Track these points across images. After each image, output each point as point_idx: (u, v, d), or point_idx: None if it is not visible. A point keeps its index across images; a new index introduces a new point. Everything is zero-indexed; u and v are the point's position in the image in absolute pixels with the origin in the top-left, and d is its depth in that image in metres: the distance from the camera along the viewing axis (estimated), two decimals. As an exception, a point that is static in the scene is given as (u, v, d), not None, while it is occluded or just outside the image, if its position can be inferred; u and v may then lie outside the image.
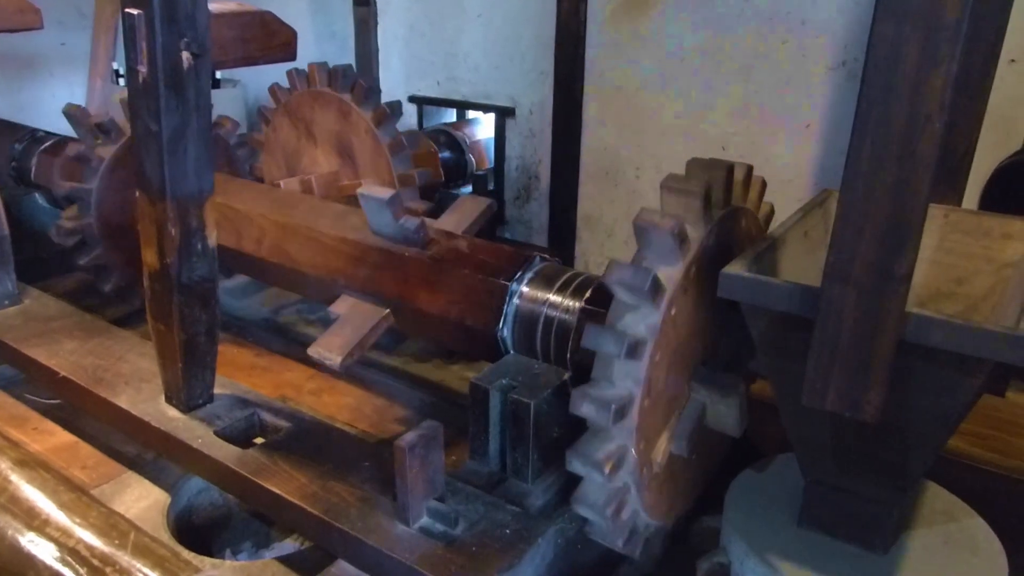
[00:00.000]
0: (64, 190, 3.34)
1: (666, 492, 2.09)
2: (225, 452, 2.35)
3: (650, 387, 1.84)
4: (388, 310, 2.66)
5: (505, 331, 2.43)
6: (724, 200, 1.94)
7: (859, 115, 1.39)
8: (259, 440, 2.54)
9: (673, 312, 1.82)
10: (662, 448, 1.98)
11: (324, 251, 2.78)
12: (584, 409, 1.82)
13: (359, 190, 2.62)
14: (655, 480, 1.99)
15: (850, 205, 1.46)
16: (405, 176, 3.54)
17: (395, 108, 3.57)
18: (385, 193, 2.53)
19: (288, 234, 2.92)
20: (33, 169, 3.88)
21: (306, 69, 3.66)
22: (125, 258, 3.43)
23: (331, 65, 3.63)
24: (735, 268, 1.75)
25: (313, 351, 2.56)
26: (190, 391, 2.51)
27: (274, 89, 3.83)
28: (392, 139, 3.52)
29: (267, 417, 2.57)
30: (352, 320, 2.65)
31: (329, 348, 2.53)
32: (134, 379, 2.72)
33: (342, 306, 2.73)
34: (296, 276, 2.92)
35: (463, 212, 2.96)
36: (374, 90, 3.57)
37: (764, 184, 2.18)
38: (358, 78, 3.55)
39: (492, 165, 4.83)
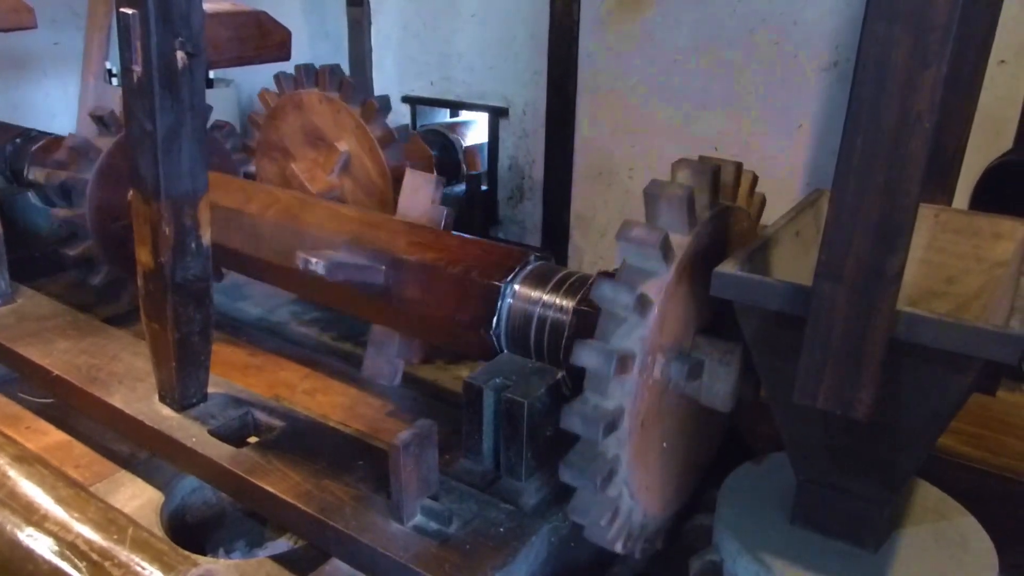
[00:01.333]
0: (60, 179, 3.32)
1: (661, 489, 2.09)
2: (219, 451, 2.35)
3: (641, 398, 1.84)
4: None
5: (498, 330, 2.43)
6: (711, 201, 1.93)
7: (850, 115, 1.41)
8: (253, 439, 2.54)
9: (662, 321, 1.83)
10: (657, 453, 1.99)
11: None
12: (575, 425, 1.82)
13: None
14: (650, 482, 2.00)
15: (841, 204, 1.47)
16: (397, 168, 3.54)
17: (384, 102, 3.57)
18: (321, 265, 2.52)
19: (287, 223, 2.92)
20: (27, 166, 3.87)
21: (293, 72, 3.66)
22: (115, 252, 3.42)
23: (318, 65, 3.63)
24: (727, 267, 1.76)
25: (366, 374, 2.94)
26: (184, 390, 2.51)
27: (263, 94, 3.84)
28: (382, 132, 3.51)
29: (261, 416, 2.57)
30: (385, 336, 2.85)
31: (378, 373, 2.92)
32: (128, 378, 2.71)
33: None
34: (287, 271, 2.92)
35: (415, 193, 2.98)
36: (361, 86, 3.56)
37: (755, 178, 2.19)
38: (344, 76, 3.55)
39: (485, 165, 4.84)
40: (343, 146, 3.64)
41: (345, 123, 3.59)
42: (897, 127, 1.36)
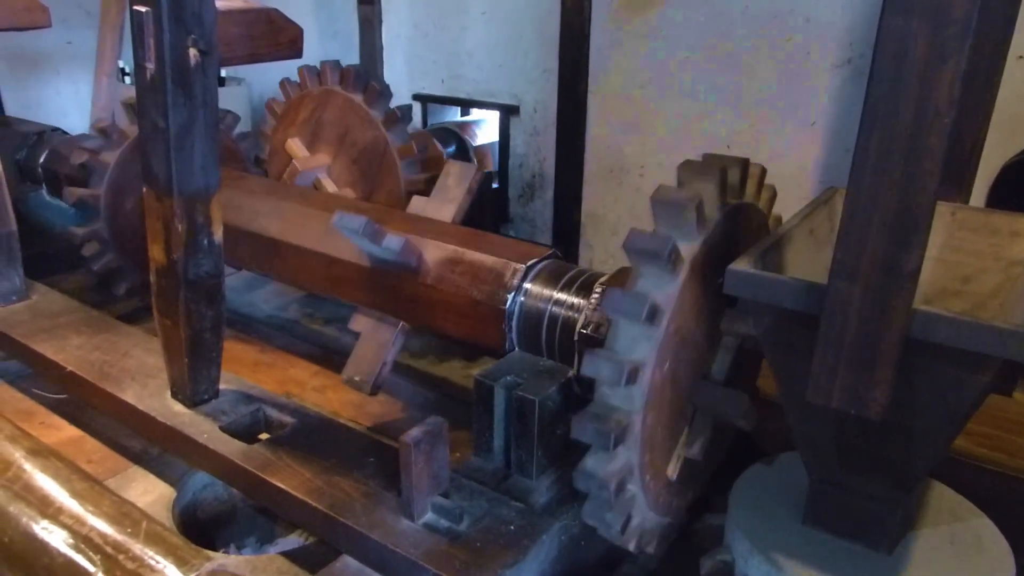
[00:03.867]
0: (73, 198, 3.36)
1: (673, 491, 2.08)
2: (230, 447, 2.35)
3: (652, 406, 1.83)
4: (402, 322, 2.76)
5: (510, 328, 2.43)
6: (719, 201, 1.91)
7: (867, 110, 1.39)
8: (264, 436, 2.54)
9: (672, 328, 1.82)
10: (671, 459, 1.99)
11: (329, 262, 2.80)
12: (586, 435, 1.80)
13: (332, 221, 2.49)
14: (662, 484, 1.99)
15: (857, 201, 1.45)
16: (412, 181, 3.53)
17: (405, 112, 3.57)
18: (358, 221, 2.41)
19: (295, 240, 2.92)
20: (41, 168, 3.90)
21: (318, 67, 3.66)
22: (136, 260, 3.45)
23: (343, 64, 3.63)
24: (741, 265, 1.75)
25: (346, 380, 2.81)
26: (196, 386, 2.52)
27: (284, 84, 3.83)
28: (403, 144, 3.50)
29: (272, 413, 2.57)
30: (372, 339, 2.82)
31: (359, 374, 2.84)
32: (140, 374, 2.72)
33: (360, 323, 2.91)
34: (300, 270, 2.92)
35: (453, 185, 2.97)
36: (386, 92, 3.55)
37: (763, 171, 2.17)
38: (370, 79, 3.55)
39: (496, 164, 4.83)
40: (359, 147, 3.64)
41: (366, 127, 3.58)
42: (914, 123, 1.35)
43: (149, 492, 2.56)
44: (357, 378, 2.86)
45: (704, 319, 1.98)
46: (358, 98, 3.54)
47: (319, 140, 3.80)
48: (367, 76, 3.58)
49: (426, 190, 3.51)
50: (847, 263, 1.50)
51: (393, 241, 2.47)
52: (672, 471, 2.02)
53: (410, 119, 3.63)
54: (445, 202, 2.94)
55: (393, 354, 2.90)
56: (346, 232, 2.45)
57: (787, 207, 2.28)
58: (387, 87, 3.62)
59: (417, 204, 3.01)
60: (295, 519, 2.30)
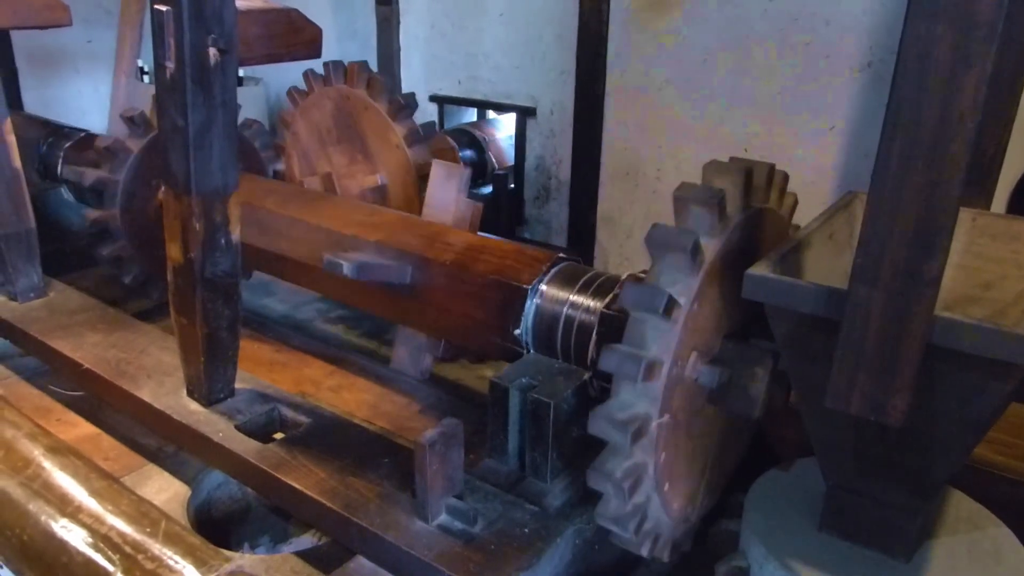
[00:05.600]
0: (91, 179, 3.37)
1: (689, 494, 2.07)
2: (245, 446, 2.36)
3: (669, 404, 1.82)
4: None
5: (525, 330, 2.42)
6: (742, 203, 1.90)
7: (889, 115, 1.38)
8: (279, 435, 2.55)
9: (691, 325, 1.81)
10: (685, 457, 1.97)
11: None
12: (602, 430, 1.80)
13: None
14: (677, 487, 1.98)
15: (879, 206, 1.44)
16: (423, 166, 3.55)
17: (409, 100, 3.58)
18: (348, 265, 2.51)
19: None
20: (60, 164, 3.93)
21: (344, 64, 3.68)
22: (147, 251, 3.46)
23: (346, 63, 3.65)
24: (760, 269, 1.74)
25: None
26: (211, 385, 2.53)
27: (292, 93, 3.86)
28: (422, 160, 3.51)
29: (287, 412, 2.58)
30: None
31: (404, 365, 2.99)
32: (156, 372, 2.74)
33: None
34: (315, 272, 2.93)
35: (443, 189, 2.97)
36: (410, 106, 3.57)
37: (786, 178, 2.16)
38: (395, 91, 3.56)
39: (512, 164, 4.83)
40: (370, 144, 3.65)
41: (373, 121, 3.60)
42: (938, 128, 1.33)
43: (164, 490, 2.57)
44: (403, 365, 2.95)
45: (721, 326, 1.97)
46: (362, 92, 3.54)
47: (330, 140, 3.81)
48: (369, 70, 3.59)
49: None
50: (868, 268, 1.49)
51: (396, 272, 2.56)
52: (684, 468, 2.00)
53: (415, 106, 3.63)
54: (445, 211, 2.94)
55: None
56: (340, 274, 2.52)
57: (805, 211, 2.27)
58: (390, 78, 3.62)
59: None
60: (309, 519, 2.30)
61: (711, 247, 1.81)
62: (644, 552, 1.96)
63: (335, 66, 3.65)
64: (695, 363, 1.89)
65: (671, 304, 1.73)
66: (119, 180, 3.36)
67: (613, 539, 1.98)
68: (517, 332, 2.42)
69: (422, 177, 3.49)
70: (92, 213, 3.41)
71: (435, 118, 5.18)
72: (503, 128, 4.90)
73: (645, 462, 1.84)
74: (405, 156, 3.54)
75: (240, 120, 3.67)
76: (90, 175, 3.38)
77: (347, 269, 2.49)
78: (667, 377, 1.77)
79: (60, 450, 2.38)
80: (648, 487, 1.87)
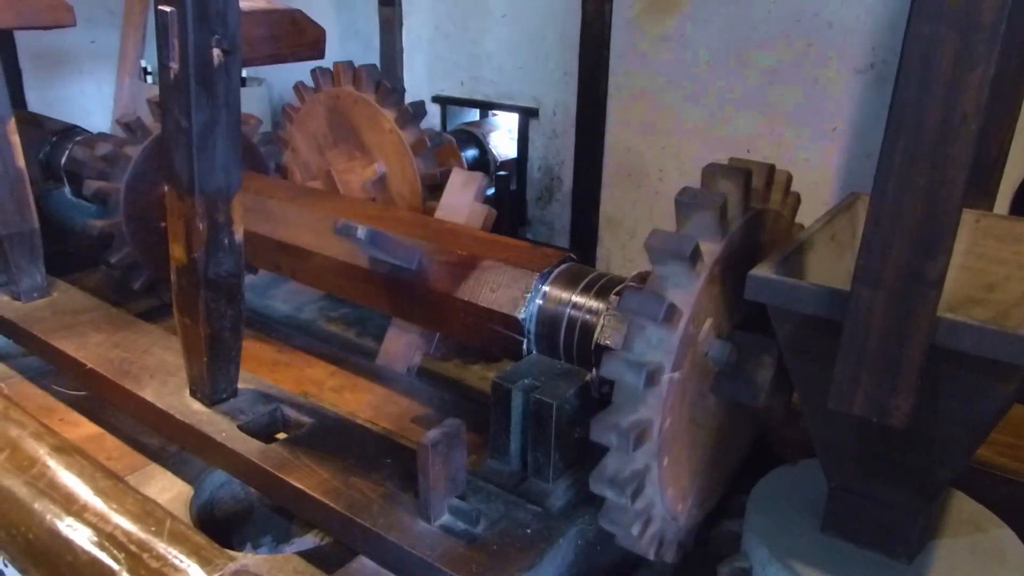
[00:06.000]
0: (92, 189, 3.39)
1: (691, 496, 2.07)
2: (248, 446, 2.36)
3: (671, 409, 1.82)
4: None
5: (528, 331, 2.43)
6: (743, 206, 1.90)
7: (892, 115, 1.38)
8: (282, 435, 2.55)
9: (692, 330, 1.81)
10: (687, 461, 1.98)
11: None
12: (604, 437, 1.79)
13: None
14: (680, 490, 1.98)
15: (881, 207, 1.44)
16: (429, 175, 3.55)
17: (418, 108, 3.59)
18: (362, 230, 2.47)
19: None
20: (63, 164, 3.93)
21: (331, 68, 3.69)
22: (154, 255, 3.47)
23: (355, 64, 3.65)
24: (762, 271, 1.74)
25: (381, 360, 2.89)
26: (214, 385, 2.53)
27: (299, 87, 3.86)
28: (416, 139, 3.53)
29: (290, 412, 2.58)
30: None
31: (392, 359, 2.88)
32: (159, 372, 2.74)
33: None
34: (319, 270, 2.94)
35: (460, 193, 2.98)
36: (397, 90, 3.58)
37: (789, 178, 2.16)
38: (382, 78, 3.57)
39: (512, 159, 4.83)
40: (374, 147, 3.66)
41: (381, 125, 3.60)
42: (941, 129, 1.33)
43: (167, 490, 2.57)
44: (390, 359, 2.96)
45: (723, 330, 1.97)
46: (371, 97, 3.56)
47: (336, 140, 3.82)
48: (379, 74, 3.60)
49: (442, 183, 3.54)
50: (871, 270, 1.49)
51: (405, 253, 2.53)
52: (686, 471, 2.00)
53: (424, 114, 3.64)
54: (458, 214, 2.96)
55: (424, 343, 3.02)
56: (351, 240, 2.48)
57: (807, 212, 2.27)
58: (399, 85, 3.64)
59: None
60: (312, 519, 2.31)
61: (711, 252, 1.81)
62: (649, 554, 1.96)
63: (323, 72, 3.68)
64: (707, 334, 1.88)
65: (672, 309, 1.73)
66: (120, 188, 3.38)
67: (618, 541, 1.98)
68: (520, 332, 2.42)
69: (417, 154, 3.51)
70: (97, 224, 3.42)
71: (438, 119, 5.19)
72: (504, 128, 4.91)
73: (648, 466, 1.84)
74: (398, 137, 3.54)
75: (258, 136, 3.71)
76: (91, 185, 3.39)
77: (361, 233, 2.44)
78: (668, 382, 1.77)
79: (65, 449, 2.38)
80: (651, 491, 1.87)
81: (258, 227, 3.05)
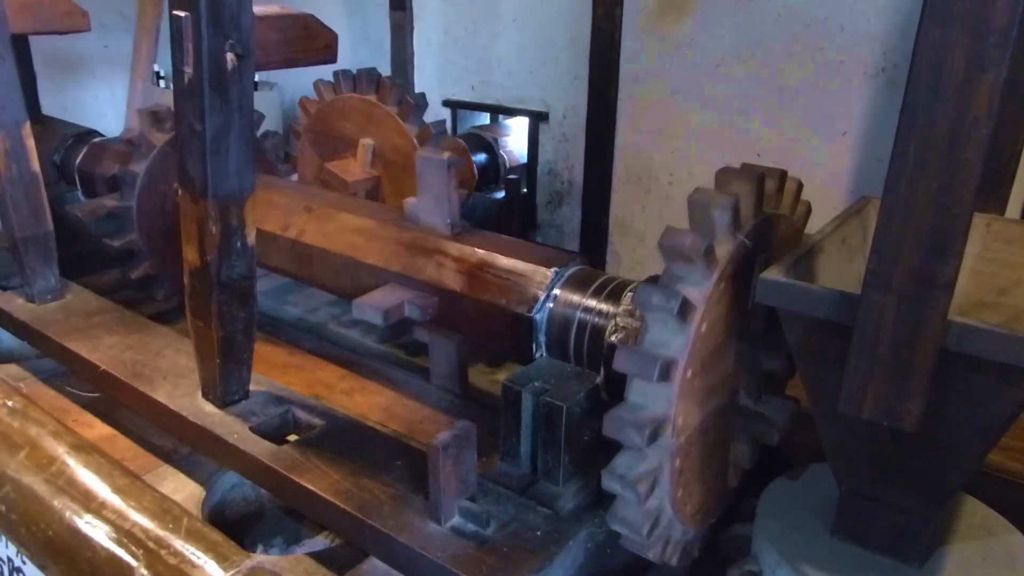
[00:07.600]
0: (105, 210, 3.41)
1: (700, 499, 2.08)
2: (260, 448, 2.38)
3: (684, 408, 1.83)
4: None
5: (538, 334, 2.43)
6: (755, 209, 1.91)
7: (903, 120, 1.38)
8: (293, 437, 2.57)
9: (705, 328, 1.81)
10: (698, 461, 1.98)
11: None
12: (618, 432, 1.80)
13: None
14: (690, 491, 1.99)
15: (892, 211, 1.45)
16: (402, 108, 3.60)
17: (419, 99, 3.61)
18: (376, 314, 2.62)
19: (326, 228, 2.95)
20: (77, 168, 3.96)
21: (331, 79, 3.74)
22: (173, 264, 3.49)
23: (355, 70, 3.69)
24: (773, 274, 1.74)
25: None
26: (226, 387, 2.55)
27: (303, 102, 3.90)
28: (420, 129, 3.55)
29: (301, 414, 2.60)
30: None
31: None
32: (172, 374, 2.76)
33: None
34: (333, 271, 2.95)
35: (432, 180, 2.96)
36: (398, 86, 3.61)
37: (800, 185, 2.16)
38: (380, 77, 3.60)
39: (523, 164, 4.84)
40: (384, 149, 3.68)
41: (385, 124, 3.63)
42: (952, 133, 1.34)
43: (179, 491, 2.59)
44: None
45: (733, 333, 1.98)
46: (372, 98, 3.59)
47: (343, 147, 3.84)
48: (378, 75, 3.65)
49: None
50: (881, 273, 1.49)
51: (419, 308, 2.64)
52: (697, 472, 2.01)
53: (425, 104, 3.69)
54: (438, 202, 2.89)
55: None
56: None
57: (818, 216, 2.27)
58: (401, 82, 3.70)
59: (409, 204, 2.97)
60: (323, 520, 2.32)
61: (725, 250, 1.81)
62: (654, 557, 1.96)
63: (343, 75, 3.70)
64: (717, 334, 1.89)
65: (686, 305, 1.74)
66: (131, 206, 3.39)
67: (624, 543, 1.98)
68: (530, 335, 2.43)
69: (402, 115, 3.60)
70: (114, 241, 3.44)
71: (448, 123, 5.20)
72: (515, 133, 4.92)
73: (661, 465, 1.84)
74: (384, 111, 3.61)
75: (261, 130, 3.73)
76: (104, 204, 3.40)
77: (379, 318, 2.61)
78: (682, 378, 1.78)
79: (84, 448, 2.41)
80: (662, 491, 1.88)
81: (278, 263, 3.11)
